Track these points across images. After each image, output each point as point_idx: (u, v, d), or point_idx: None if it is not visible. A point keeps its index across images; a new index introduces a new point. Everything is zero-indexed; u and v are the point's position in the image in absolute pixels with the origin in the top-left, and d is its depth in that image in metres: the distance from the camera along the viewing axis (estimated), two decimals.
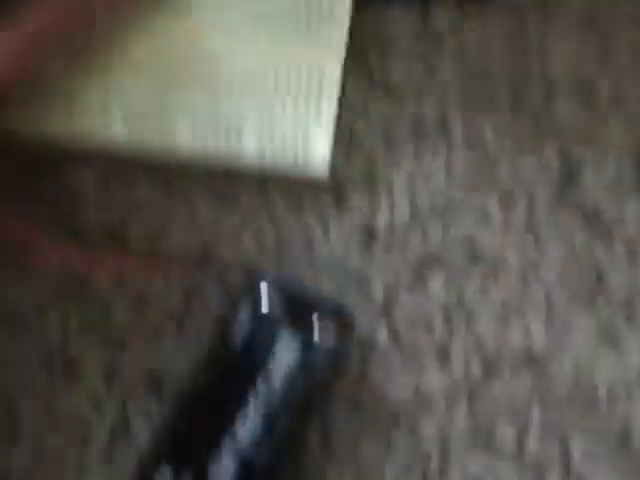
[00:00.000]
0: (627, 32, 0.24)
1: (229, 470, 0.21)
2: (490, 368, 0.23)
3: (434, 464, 0.22)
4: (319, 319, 0.20)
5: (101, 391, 0.22)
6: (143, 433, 0.22)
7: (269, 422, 0.20)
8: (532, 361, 0.23)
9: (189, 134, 0.20)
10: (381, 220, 0.22)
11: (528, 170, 0.23)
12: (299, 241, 0.22)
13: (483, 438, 0.22)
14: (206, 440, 0.20)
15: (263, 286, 0.20)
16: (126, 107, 0.20)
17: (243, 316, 0.21)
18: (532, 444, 0.22)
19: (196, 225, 0.22)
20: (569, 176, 0.23)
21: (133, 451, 0.22)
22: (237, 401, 0.20)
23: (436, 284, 0.22)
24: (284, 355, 0.20)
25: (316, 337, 0.20)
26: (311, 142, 0.20)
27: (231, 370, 0.21)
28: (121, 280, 0.21)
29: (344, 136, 0.22)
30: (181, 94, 0.20)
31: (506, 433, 0.22)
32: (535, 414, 0.22)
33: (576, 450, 0.22)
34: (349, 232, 0.22)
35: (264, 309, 0.20)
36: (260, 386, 0.20)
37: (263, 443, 0.20)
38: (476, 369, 0.22)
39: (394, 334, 0.22)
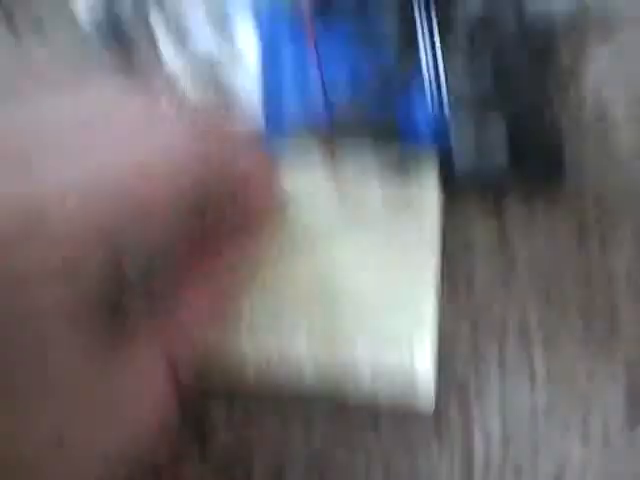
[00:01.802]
0: None
1: None
2: None
3: None
4: None
5: None
6: None
7: None
8: None
9: (305, 346, 0.22)
10: (479, 451, 0.23)
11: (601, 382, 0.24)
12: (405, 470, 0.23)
13: None
14: None
15: None
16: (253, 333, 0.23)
17: None
18: None
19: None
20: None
21: None
22: None
23: None
24: None
25: None
26: (415, 369, 0.22)
27: None
28: None
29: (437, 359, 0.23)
30: (299, 310, 0.23)
31: None
32: None
33: None
34: (450, 461, 0.23)
35: None
36: None
37: None
38: None
39: None
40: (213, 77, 0.25)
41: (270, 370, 0.22)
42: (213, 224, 0.19)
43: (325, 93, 0.25)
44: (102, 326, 0.16)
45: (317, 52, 0.24)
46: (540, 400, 0.24)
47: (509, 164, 0.25)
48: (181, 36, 0.25)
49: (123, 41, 0.24)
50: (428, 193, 0.24)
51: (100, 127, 0.16)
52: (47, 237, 0.14)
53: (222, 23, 0.26)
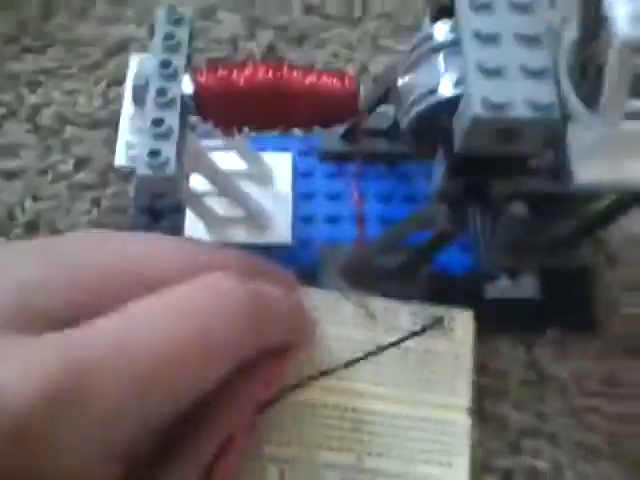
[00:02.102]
0: None
1: None
2: None
3: None
4: None
5: None
6: None
7: None
8: None
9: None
10: None
11: None
12: None
13: None
14: None
15: None
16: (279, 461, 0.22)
17: None
18: None
19: None
20: None
21: None
22: None
23: None
24: None
25: None
26: None
27: None
28: None
29: None
30: (330, 453, 0.22)
31: None
32: None
33: None
34: None
35: None
36: None
37: None
38: None
39: None
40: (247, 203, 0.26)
41: None
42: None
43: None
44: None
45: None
46: None
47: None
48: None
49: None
50: (461, 335, 0.24)
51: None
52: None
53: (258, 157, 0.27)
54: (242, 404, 0.19)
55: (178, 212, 0.27)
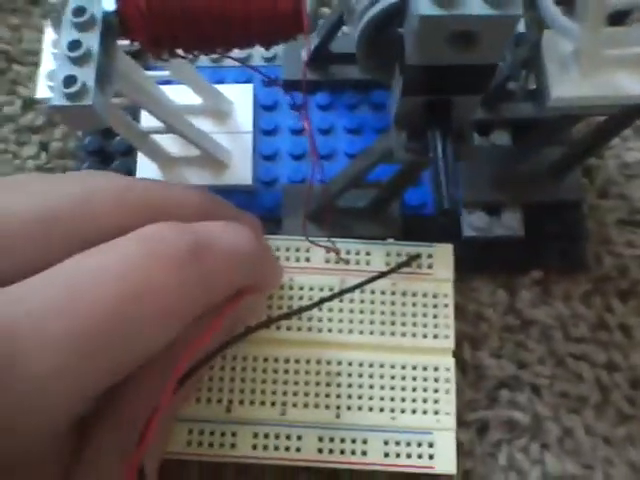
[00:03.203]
0: None
1: None
2: None
3: None
4: None
5: None
6: None
7: None
8: None
9: (314, 449, 0.20)
10: None
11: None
12: None
13: None
14: None
15: None
16: (252, 427, 0.21)
17: None
18: None
19: None
20: None
21: None
22: None
23: None
24: None
25: None
26: (437, 442, 0.20)
27: None
28: None
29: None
30: (305, 411, 0.21)
31: None
32: None
33: None
34: None
35: None
36: None
37: None
38: None
39: None
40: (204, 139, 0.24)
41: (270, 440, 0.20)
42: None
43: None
44: (72, 441, 0.15)
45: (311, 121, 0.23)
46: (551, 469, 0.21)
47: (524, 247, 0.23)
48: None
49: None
50: (441, 272, 0.22)
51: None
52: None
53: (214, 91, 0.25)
54: (176, 354, 0.18)
55: (130, 154, 0.25)
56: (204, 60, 0.27)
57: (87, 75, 0.18)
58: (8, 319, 0.13)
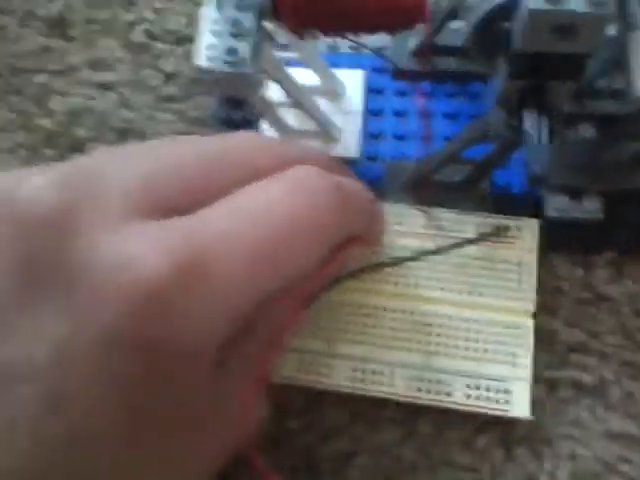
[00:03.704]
0: None
1: None
2: None
3: None
4: None
5: None
6: None
7: None
8: None
9: (404, 386, 0.23)
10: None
11: None
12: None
13: None
14: None
15: None
16: (349, 359, 0.24)
17: None
18: None
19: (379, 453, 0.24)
20: None
21: None
22: None
23: None
24: None
25: None
26: (513, 389, 0.23)
27: None
28: None
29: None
30: (398, 353, 0.24)
31: None
32: None
33: None
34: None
35: None
36: None
37: None
38: None
39: None
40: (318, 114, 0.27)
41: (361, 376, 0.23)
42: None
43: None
44: (216, 363, 0.18)
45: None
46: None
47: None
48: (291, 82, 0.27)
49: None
50: (526, 243, 0.25)
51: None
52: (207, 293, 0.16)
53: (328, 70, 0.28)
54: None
55: (252, 124, 0.29)
56: (323, 46, 0.30)
57: (246, 48, 0.21)
58: (196, 238, 0.16)
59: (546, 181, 0.21)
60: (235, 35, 0.22)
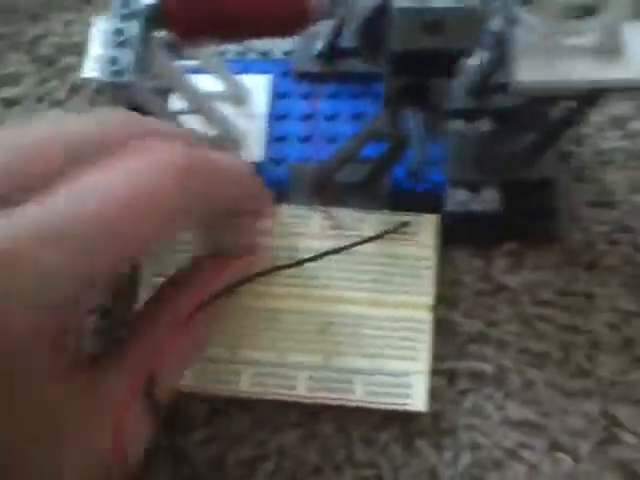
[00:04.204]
0: None
1: None
2: None
3: None
4: None
5: None
6: None
7: None
8: None
9: (306, 388, 0.24)
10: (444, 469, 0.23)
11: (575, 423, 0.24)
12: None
13: None
14: None
15: None
16: (252, 364, 0.24)
17: None
18: None
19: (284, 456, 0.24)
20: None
21: None
22: None
23: None
24: None
25: None
26: (412, 383, 0.23)
27: None
28: None
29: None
30: (300, 356, 0.24)
31: None
32: None
33: None
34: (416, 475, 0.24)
35: None
36: None
37: None
38: None
39: None
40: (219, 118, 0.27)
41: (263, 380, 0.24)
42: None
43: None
44: (76, 352, 0.17)
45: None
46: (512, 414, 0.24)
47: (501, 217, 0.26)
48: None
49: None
50: (425, 238, 0.25)
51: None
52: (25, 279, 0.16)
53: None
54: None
55: None
56: (231, 53, 0.30)
57: (127, 57, 0.21)
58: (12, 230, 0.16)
59: (422, 177, 0.21)
60: (119, 45, 0.22)
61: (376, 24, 0.21)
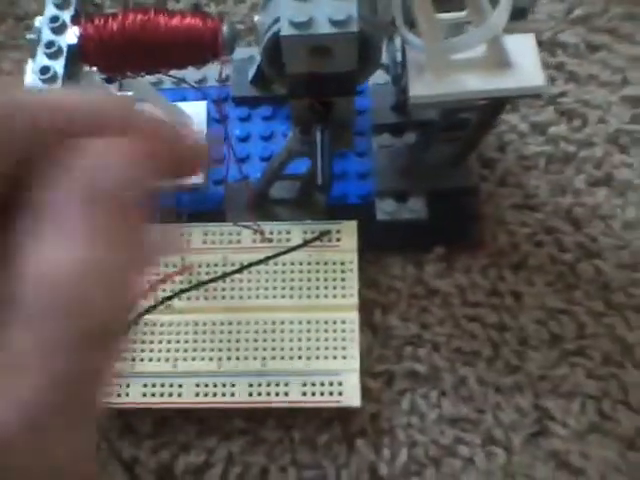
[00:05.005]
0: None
1: None
2: None
3: None
4: None
5: None
6: None
7: None
8: None
9: (246, 393, 0.25)
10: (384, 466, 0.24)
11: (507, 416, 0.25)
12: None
13: None
14: None
15: None
16: (195, 379, 0.25)
17: None
18: None
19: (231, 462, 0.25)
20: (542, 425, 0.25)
21: None
22: None
23: None
24: None
25: None
26: (344, 381, 0.24)
27: None
28: None
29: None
30: (237, 363, 0.25)
31: None
32: None
33: None
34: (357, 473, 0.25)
35: None
36: None
37: None
38: None
39: None
40: None
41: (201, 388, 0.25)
42: None
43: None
44: None
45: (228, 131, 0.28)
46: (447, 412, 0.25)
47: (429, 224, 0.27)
48: None
49: None
50: (347, 244, 0.26)
51: None
52: None
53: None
54: None
55: None
56: (167, 83, 0.32)
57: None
58: None
59: (329, 190, 0.23)
60: (45, 81, 0.23)
61: (276, 52, 0.22)
